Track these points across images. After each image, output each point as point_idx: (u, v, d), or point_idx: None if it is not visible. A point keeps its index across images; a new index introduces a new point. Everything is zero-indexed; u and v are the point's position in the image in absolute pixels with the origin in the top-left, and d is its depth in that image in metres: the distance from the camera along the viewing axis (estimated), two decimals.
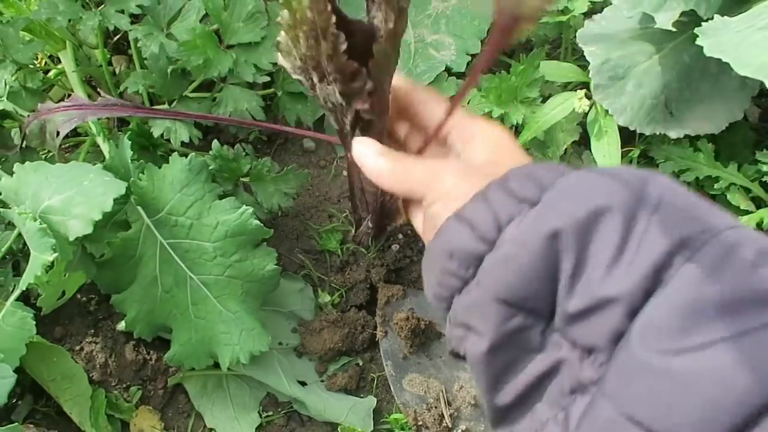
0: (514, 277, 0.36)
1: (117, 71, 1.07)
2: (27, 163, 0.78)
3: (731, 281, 0.31)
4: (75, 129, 1.01)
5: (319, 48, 0.38)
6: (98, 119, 0.95)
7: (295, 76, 0.42)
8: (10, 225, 0.84)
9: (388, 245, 1.01)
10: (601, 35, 0.91)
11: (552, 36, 1.05)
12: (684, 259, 0.33)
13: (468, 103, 0.98)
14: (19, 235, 0.78)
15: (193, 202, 0.82)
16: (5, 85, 0.88)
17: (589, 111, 0.93)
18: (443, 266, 0.38)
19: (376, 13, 0.40)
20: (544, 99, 0.97)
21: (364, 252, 1.02)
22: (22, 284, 0.73)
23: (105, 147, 0.91)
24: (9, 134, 0.92)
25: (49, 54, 1.05)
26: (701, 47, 0.73)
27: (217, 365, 0.88)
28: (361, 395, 0.98)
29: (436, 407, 0.94)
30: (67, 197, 0.74)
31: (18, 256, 0.91)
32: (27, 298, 0.89)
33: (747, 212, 0.93)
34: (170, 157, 0.82)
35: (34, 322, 0.75)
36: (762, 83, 0.71)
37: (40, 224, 0.71)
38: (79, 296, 0.98)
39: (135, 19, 0.93)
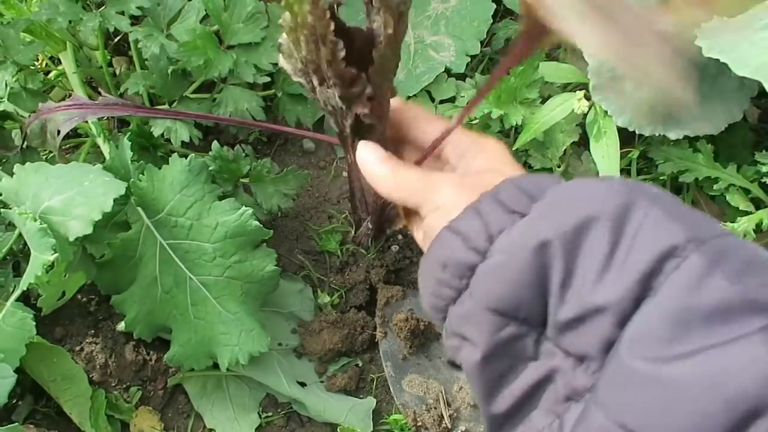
0: (505, 286, 0.36)
1: (117, 72, 1.08)
2: (27, 163, 0.79)
3: (719, 289, 0.32)
4: (76, 130, 1.02)
5: (319, 52, 0.39)
6: (99, 120, 0.96)
7: (295, 79, 0.42)
8: (11, 225, 0.84)
9: (387, 246, 1.01)
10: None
11: None
12: (673, 268, 0.33)
13: (467, 104, 0.99)
14: (20, 235, 0.78)
15: (193, 202, 0.82)
16: (6, 86, 0.88)
17: (588, 112, 0.94)
18: (437, 277, 0.39)
19: (375, 17, 0.40)
20: (544, 100, 0.97)
21: (363, 253, 1.02)
22: (23, 284, 0.74)
23: (105, 148, 0.91)
24: (9, 135, 0.92)
25: (49, 55, 1.05)
26: (700, 48, 0.73)
27: (216, 366, 0.88)
28: (361, 396, 0.99)
29: (435, 408, 0.94)
30: (68, 198, 0.74)
31: (18, 257, 0.91)
32: (27, 299, 0.90)
33: (746, 213, 0.94)
34: (170, 158, 0.82)
35: (35, 323, 0.75)
36: (761, 84, 0.71)
37: (41, 225, 0.71)
38: (79, 297, 0.98)
39: (135, 20, 0.93)
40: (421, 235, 0.46)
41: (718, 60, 0.72)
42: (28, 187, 0.77)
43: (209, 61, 0.90)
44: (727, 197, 0.95)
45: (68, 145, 1.05)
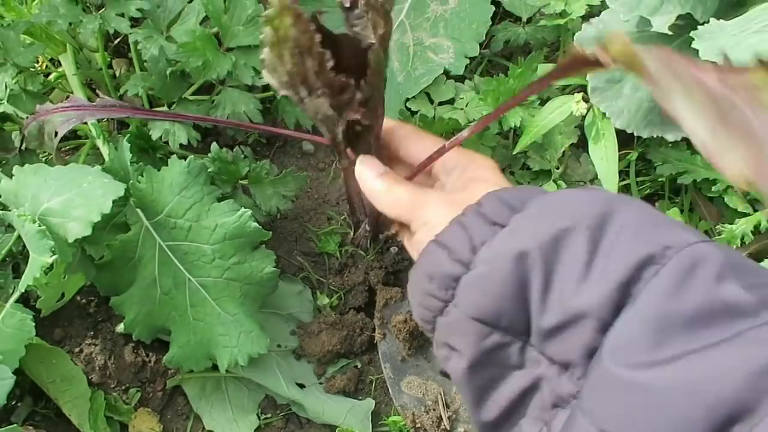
0: (487, 296, 0.37)
1: (117, 74, 1.08)
2: (26, 165, 0.79)
3: (698, 295, 0.32)
4: (75, 131, 1.02)
5: (305, 65, 0.38)
6: (98, 122, 0.96)
7: (282, 92, 0.42)
8: (10, 227, 0.85)
9: (386, 247, 1.01)
10: (599, 38, 0.91)
11: (550, 39, 1.06)
12: (652, 274, 0.34)
13: (467, 106, 0.99)
14: (19, 237, 0.78)
15: (192, 204, 0.82)
16: (6, 88, 0.88)
17: (586, 114, 0.94)
18: (425, 289, 0.40)
19: (356, 22, 0.40)
20: (542, 102, 0.97)
21: (362, 254, 1.02)
22: (22, 286, 0.74)
23: (104, 149, 0.91)
24: (9, 137, 0.92)
25: (49, 57, 1.06)
26: (697, 50, 0.73)
27: (215, 367, 0.88)
28: (360, 397, 0.99)
29: (434, 409, 0.94)
30: (67, 199, 0.74)
31: (18, 258, 0.91)
32: (26, 300, 0.90)
33: (745, 214, 0.94)
34: (169, 160, 0.82)
35: (34, 324, 0.75)
36: None
37: (40, 226, 0.71)
38: (78, 298, 0.98)
39: (135, 22, 0.93)
40: (412, 249, 0.48)
41: (715, 62, 0.72)
42: (27, 188, 0.77)
43: (208, 63, 0.90)
44: (726, 199, 0.96)
45: (68, 147, 1.05)
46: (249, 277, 0.85)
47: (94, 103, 0.60)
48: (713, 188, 0.96)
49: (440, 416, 0.93)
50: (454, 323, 0.39)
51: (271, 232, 0.85)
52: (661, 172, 0.98)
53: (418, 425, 0.93)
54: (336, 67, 0.39)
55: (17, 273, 0.90)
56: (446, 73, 1.01)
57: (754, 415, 0.28)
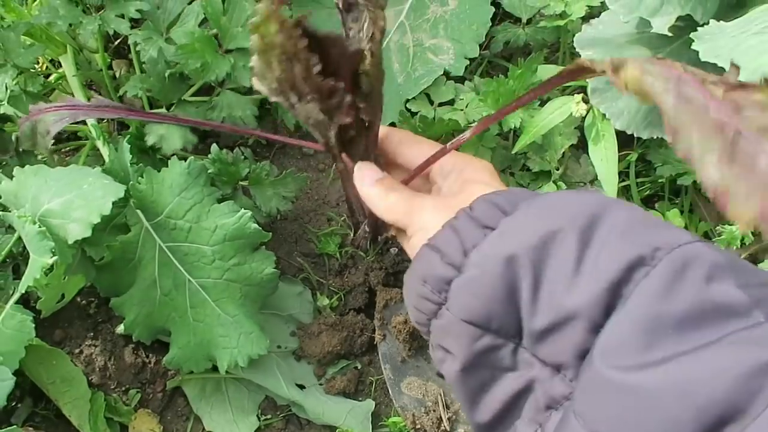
0: (478, 299, 0.38)
1: (117, 75, 1.08)
2: (27, 166, 0.79)
3: (688, 295, 0.32)
4: (75, 133, 1.02)
5: (293, 70, 0.38)
6: (98, 123, 0.96)
7: (272, 99, 0.41)
8: (10, 228, 0.85)
9: (386, 248, 1.01)
10: (599, 39, 0.91)
11: (550, 40, 1.06)
12: (642, 276, 0.34)
13: (467, 107, 0.99)
14: (19, 238, 0.78)
15: (192, 205, 0.82)
16: (6, 89, 0.88)
17: (586, 115, 0.94)
18: (419, 292, 0.41)
19: (352, 24, 0.40)
20: (542, 103, 0.97)
21: (362, 255, 1.02)
22: (22, 287, 0.74)
23: (105, 151, 0.92)
24: (9, 138, 0.92)
25: (49, 58, 1.06)
26: (697, 52, 0.73)
27: (215, 368, 0.88)
28: (360, 399, 0.99)
29: (434, 410, 0.94)
30: (67, 200, 0.74)
31: (18, 260, 0.91)
32: (27, 301, 0.90)
33: None
34: (169, 161, 0.82)
35: (34, 325, 0.75)
36: None
37: (40, 227, 0.71)
38: (78, 299, 0.98)
39: (135, 23, 0.93)
40: (409, 253, 0.48)
41: (715, 64, 0.72)
42: (27, 189, 0.77)
43: (207, 65, 0.90)
44: None
45: (68, 148, 1.05)
46: (249, 278, 0.85)
47: (87, 103, 0.60)
48: None
49: (440, 417, 0.93)
50: (447, 326, 0.39)
51: (271, 234, 0.85)
52: (661, 173, 0.98)
53: (418, 426, 0.93)
54: (324, 71, 0.39)
55: (17, 274, 0.90)
56: (446, 74, 1.01)
57: (745, 417, 0.28)
